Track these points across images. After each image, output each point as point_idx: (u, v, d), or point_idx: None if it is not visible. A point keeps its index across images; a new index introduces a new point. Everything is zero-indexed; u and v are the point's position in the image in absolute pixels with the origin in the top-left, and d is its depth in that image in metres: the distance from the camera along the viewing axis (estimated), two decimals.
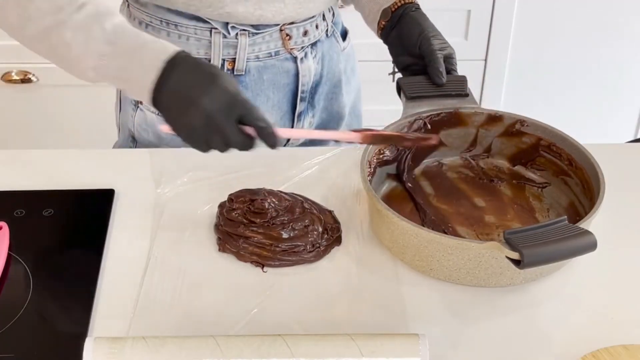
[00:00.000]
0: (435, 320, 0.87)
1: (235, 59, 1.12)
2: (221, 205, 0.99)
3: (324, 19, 1.19)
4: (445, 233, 0.97)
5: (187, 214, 1.01)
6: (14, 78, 2.06)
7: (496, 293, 0.91)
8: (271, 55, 1.14)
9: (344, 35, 1.26)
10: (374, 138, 0.98)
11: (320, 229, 0.96)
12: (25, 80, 2.06)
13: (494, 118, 1.07)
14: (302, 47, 1.16)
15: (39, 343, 0.83)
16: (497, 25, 2.08)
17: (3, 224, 0.96)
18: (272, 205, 0.97)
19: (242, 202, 0.98)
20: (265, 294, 0.90)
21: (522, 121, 1.06)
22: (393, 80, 1.13)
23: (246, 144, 0.88)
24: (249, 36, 1.11)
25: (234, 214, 0.97)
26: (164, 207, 1.02)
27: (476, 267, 0.88)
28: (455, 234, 0.98)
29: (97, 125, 2.06)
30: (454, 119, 1.07)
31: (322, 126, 1.26)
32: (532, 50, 2.13)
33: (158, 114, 0.92)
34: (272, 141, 0.88)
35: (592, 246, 0.83)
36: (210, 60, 1.11)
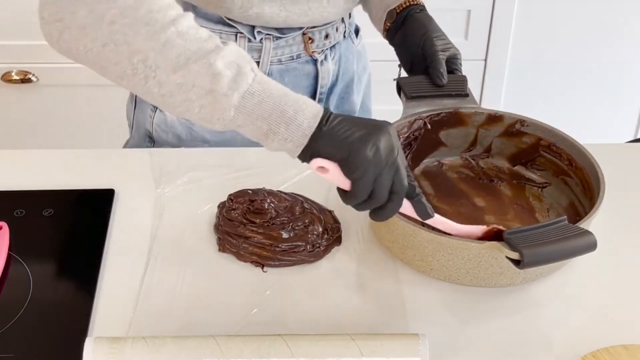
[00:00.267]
0: (435, 321, 0.87)
1: (259, 62, 1.12)
2: (221, 205, 0.99)
3: (342, 21, 1.19)
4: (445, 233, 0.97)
5: (187, 214, 1.01)
6: (14, 78, 2.06)
7: (496, 293, 0.91)
8: (293, 59, 1.15)
9: (356, 32, 1.27)
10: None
11: (320, 229, 0.96)
12: (25, 80, 2.06)
13: (494, 118, 1.07)
14: (322, 50, 1.17)
15: (39, 343, 0.83)
16: (497, 25, 2.08)
17: (3, 224, 0.96)
18: (272, 205, 0.97)
19: (242, 202, 0.98)
20: (265, 294, 0.90)
21: (522, 121, 1.06)
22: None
23: (400, 197, 0.82)
24: (273, 40, 1.11)
25: (233, 214, 0.97)
26: (164, 207, 1.02)
27: (476, 267, 0.88)
28: None
29: (98, 125, 2.07)
30: (454, 119, 1.07)
31: None
32: (532, 50, 2.12)
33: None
34: (426, 217, 0.86)
35: (592, 246, 0.83)
36: None
